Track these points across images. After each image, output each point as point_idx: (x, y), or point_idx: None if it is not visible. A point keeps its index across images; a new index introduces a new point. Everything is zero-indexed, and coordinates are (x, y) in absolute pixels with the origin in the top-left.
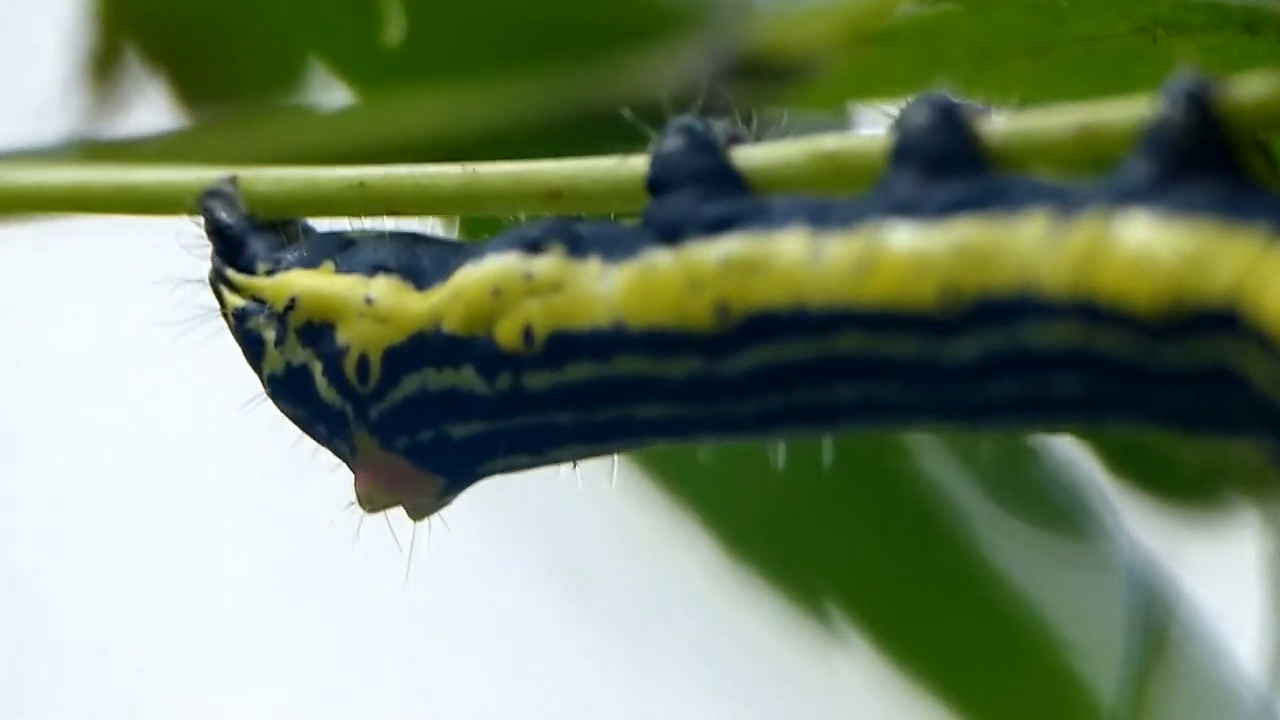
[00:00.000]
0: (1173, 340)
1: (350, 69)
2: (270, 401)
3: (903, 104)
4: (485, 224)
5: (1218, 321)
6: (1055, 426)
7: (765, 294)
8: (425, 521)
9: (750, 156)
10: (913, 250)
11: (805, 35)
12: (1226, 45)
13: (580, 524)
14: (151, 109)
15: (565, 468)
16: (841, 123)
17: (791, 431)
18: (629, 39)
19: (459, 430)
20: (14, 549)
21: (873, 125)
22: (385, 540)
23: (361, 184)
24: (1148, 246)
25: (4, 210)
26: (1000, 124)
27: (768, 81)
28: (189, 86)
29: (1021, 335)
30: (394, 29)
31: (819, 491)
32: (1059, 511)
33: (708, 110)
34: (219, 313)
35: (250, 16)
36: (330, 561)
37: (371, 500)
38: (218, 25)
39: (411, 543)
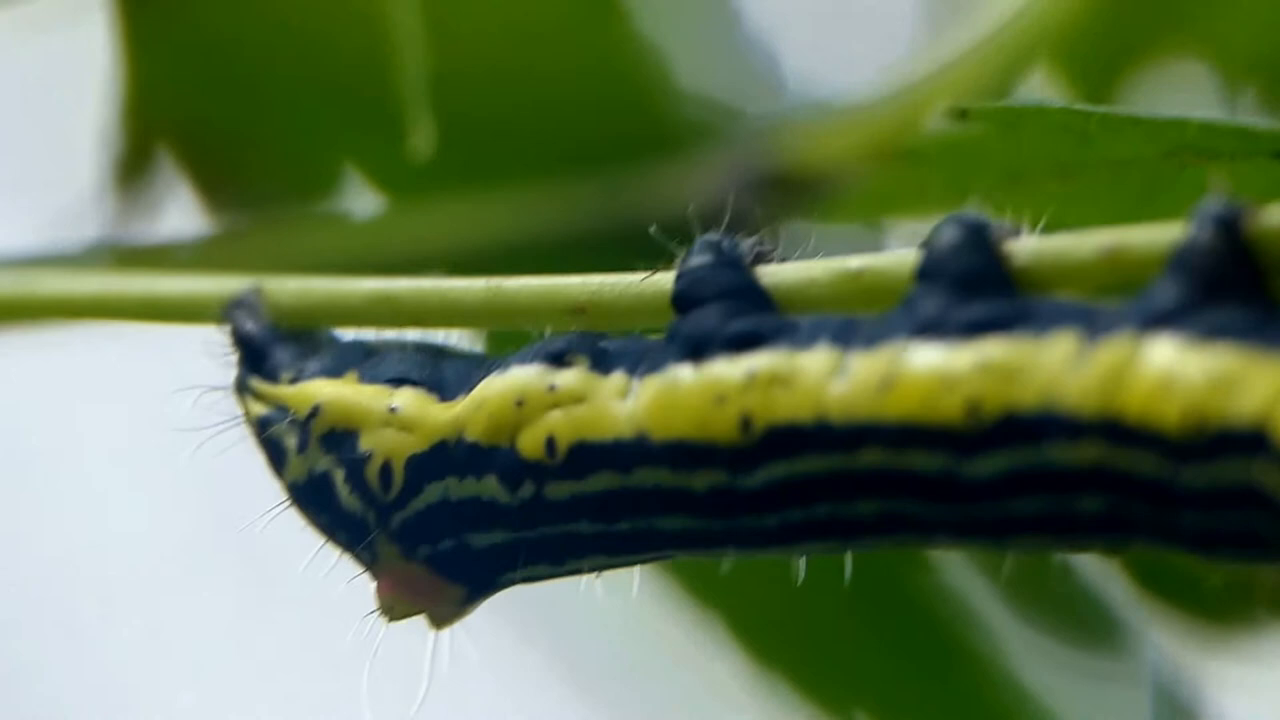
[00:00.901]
0: (1200, 461)
1: (380, 178)
2: (293, 509)
3: (930, 221)
4: (511, 337)
5: (1246, 443)
6: (1080, 547)
7: (789, 408)
8: (445, 631)
9: (776, 274)
10: (938, 367)
11: (832, 151)
12: (1255, 172)
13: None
14: (182, 213)
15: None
16: (872, 237)
17: (813, 546)
18: (656, 152)
19: (480, 539)
20: (44, 672)
21: (901, 241)
22: (405, 654)
23: (386, 296)
24: (1175, 368)
25: (33, 316)
26: (1028, 245)
27: (794, 196)
28: (219, 192)
29: (1045, 453)
30: (423, 140)
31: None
32: (1085, 626)
33: (734, 226)
34: (243, 420)
35: (281, 124)
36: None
37: (393, 609)
38: (248, 132)
39: (431, 653)
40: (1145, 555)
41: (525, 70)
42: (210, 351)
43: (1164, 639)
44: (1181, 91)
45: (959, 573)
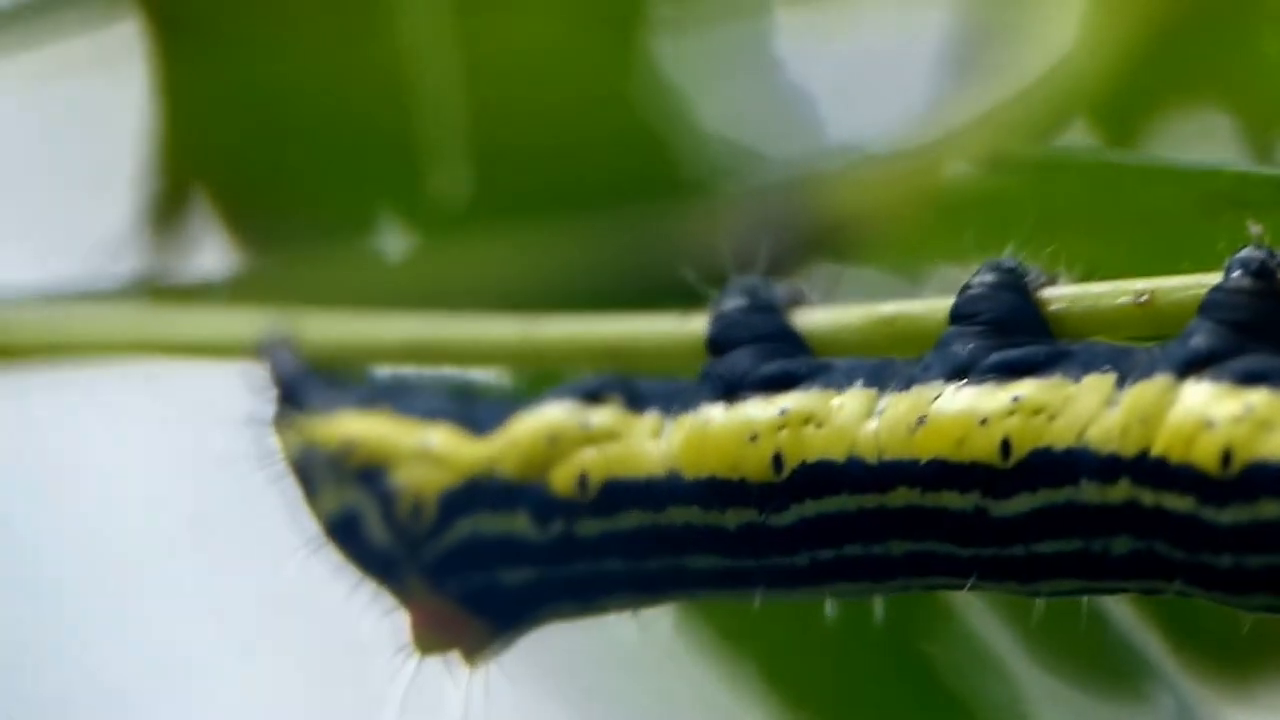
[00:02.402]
0: (1234, 501)
1: (411, 217)
2: (326, 544)
3: (963, 268)
4: (543, 376)
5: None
6: (1110, 590)
7: (821, 447)
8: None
9: (809, 318)
10: (971, 407)
11: (864, 197)
12: None
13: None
14: (216, 252)
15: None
16: (904, 284)
17: (844, 586)
18: (687, 195)
19: (510, 576)
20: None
21: (934, 288)
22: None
23: (418, 335)
24: (1211, 409)
25: (67, 353)
26: (1063, 292)
27: (826, 242)
28: (252, 231)
29: (1077, 492)
30: (455, 180)
31: (868, 650)
32: (1109, 676)
33: (768, 269)
34: (278, 456)
35: (314, 164)
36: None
37: (424, 643)
38: (281, 172)
39: (462, 692)
40: (1172, 604)
41: (555, 112)
42: (245, 388)
43: (1188, 688)
44: (1209, 141)
45: (983, 620)
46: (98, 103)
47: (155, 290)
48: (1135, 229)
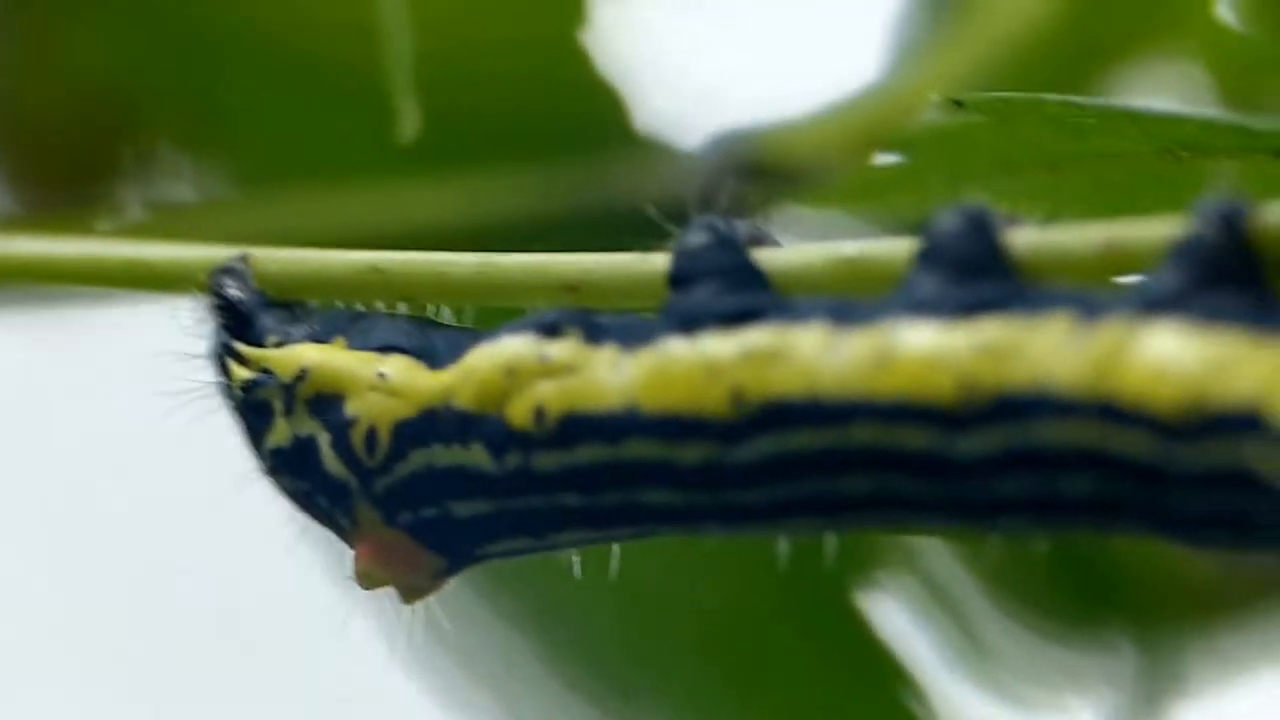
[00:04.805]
0: (1193, 442)
1: (368, 157)
2: (264, 480)
3: (924, 212)
4: (501, 314)
5: (1240, 424)
6: (1067, 529)
7: (781, 383)
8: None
9: (772, 257)
10: (932, 345)
11: (826, 140)
12: (1253, 170)
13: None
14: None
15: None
16: (869, 226)
17: (800, 523)
18: (649, 141)
19: (463, 509)
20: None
21: (897, 230)
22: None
23: (376, 269)
24: (1172, 350)
25: (14, 279)
26: (1027, 236)
27: (788, 184)
28: (207, 167)
29: (1037, 432)
30: (410, 124)
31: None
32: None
33: (730, 209)
34: (220, 388)
35: (269, 102)
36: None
37: (369, 577)
38: (237, 109)
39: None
40: (1131, 549)
41: (511, 54)
42: (197, 319)
43: (1145, 633)
44: (1177, 90)
45: (941, 563)
46: None
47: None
48: (1100, 175)
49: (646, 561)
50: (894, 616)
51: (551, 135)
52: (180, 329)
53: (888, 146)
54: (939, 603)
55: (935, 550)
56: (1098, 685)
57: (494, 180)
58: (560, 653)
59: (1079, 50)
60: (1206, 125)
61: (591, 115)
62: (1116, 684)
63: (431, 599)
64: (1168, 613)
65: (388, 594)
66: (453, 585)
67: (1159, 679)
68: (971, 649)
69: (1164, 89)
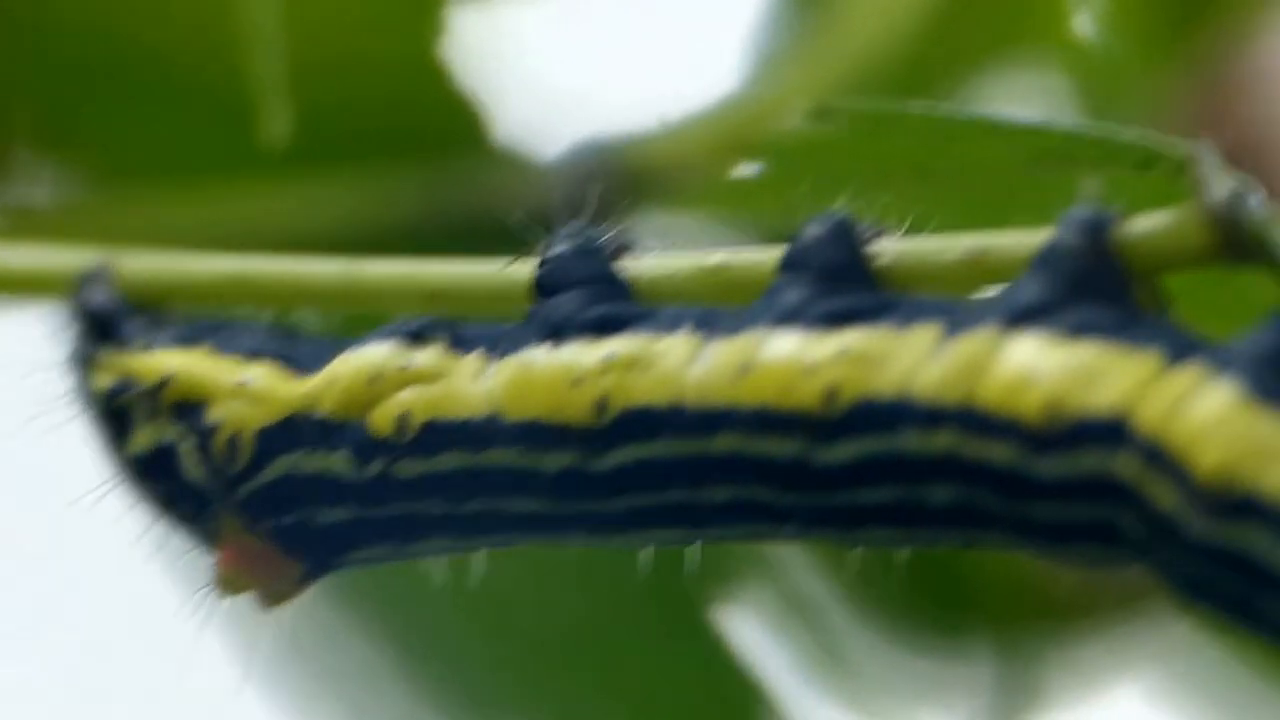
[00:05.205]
0: (1057, 452)
1: (235, 159)
2: (124, 488)
3: (793, 220)
4: (367, 321)
5: (1105, 433)
6: (931, 540)
7: (645, 392)
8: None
9: (637, 266)
10: (797, 354)
11: (691, 149)
12: (1118, 182)
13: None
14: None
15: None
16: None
17: (661, 533)
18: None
19: (325, 516)
20: None
21: (764, 240)
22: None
23: (240, 274)
24: (1037, 360)
25: None
26: (892, 245)
27: (653, 193)
28: (73, 168)
29: (899, 441)
30: (278, 127)
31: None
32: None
33: (596, 217)
34: (80, 394)
35: (137, 102)
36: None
37: (230, 583)
38: (104, 110)
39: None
40: (990, 559)
41: (375, 62)
42: (56, 325)
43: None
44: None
45: (801, 574)
46: None
47: None
48: (965, 185)
49: (507, 570)
50: (751, 629)
51: (413, 143)
52: (39, 335)
53: (752, 154)
54: (798, 614)
55: (795, 560)
56: (957, 696)
57: (358, 187)
58: (417, 662)
59: (941, 59)
60: (1071, 137)
61: (452, 124)
62: (976, 694)
63: (289, 607)
64: (1027, 623)
65: (246, 602)
66: (310, 594)
67: (1018, 689)
68: (830, 661)
69: (1025, 99)
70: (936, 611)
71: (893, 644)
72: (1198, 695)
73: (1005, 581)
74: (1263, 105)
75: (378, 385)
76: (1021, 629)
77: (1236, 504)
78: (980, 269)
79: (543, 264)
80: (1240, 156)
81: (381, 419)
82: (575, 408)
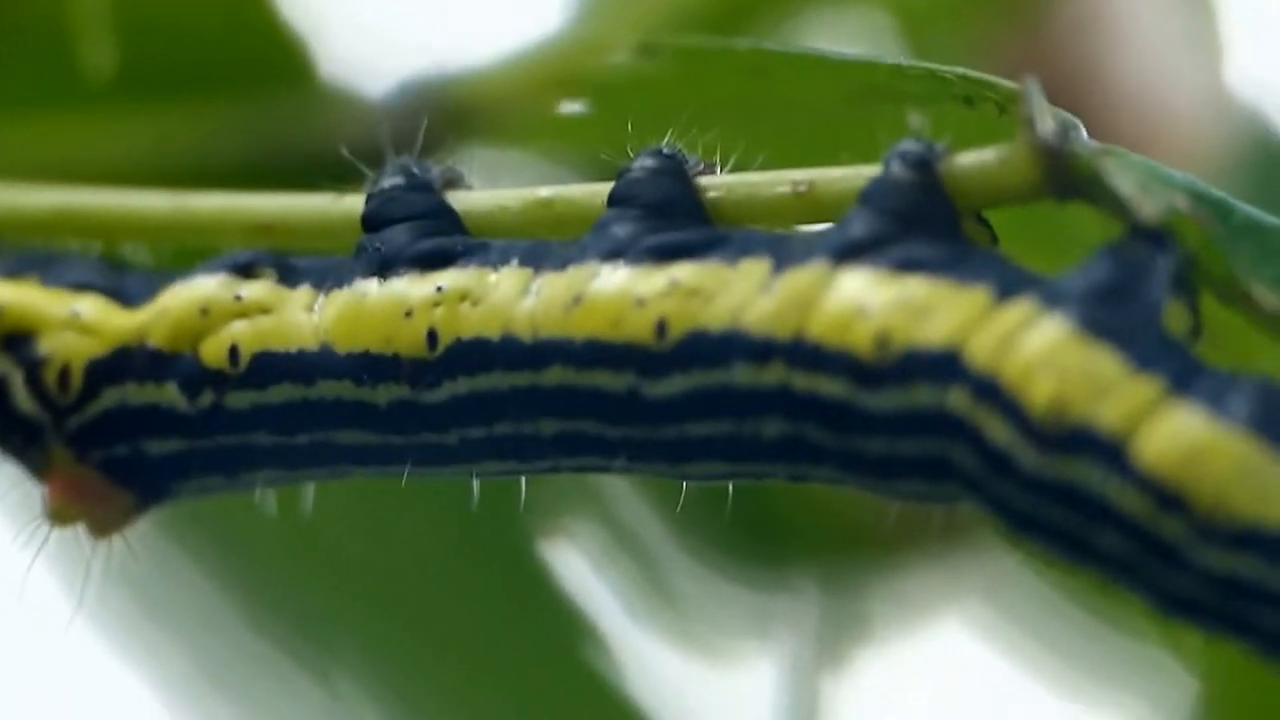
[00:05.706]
0: (888, 386)
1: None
2: None
3: (621, 154)
4: (196, 255)
5: (937, 367)
6: (762, 474)
7: (476, 324)
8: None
9: (467, 200)
10: (628, 287)
11: (519, 85)
12: (945, 117)
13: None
14: None
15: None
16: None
17: (491, 465)
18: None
19: (156, 447)
20: None
21: (593, 173)
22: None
23: (68, 207)
24: (867, 294)
25: None
26: (721, 180)
27: (482, 129)
28: None
29: (730, 375)
30: (103, 60)
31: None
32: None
33: (426, 153)
34: None
35: None
36: None
37: (60, 514)
38: None
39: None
40: (815, 493)
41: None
42: None
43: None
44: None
45: (628, 507)
46: None
47: None
48: (793, 121)
49: (337, 501)
50: (579, 562)
51: (240, 78)
52: None
53: (578, 91)
54: (625, 547)
55: (623, 494)
56: (784, 630)
57: (184, 121)
58: (248, 592)
59: None
60: (896, 71)
61: (279, 59)
62: (802, 627)
63: (120, 538)
64: (852, 557)
65: (75, 534)
66: (142, 525)
67: (843, 622)
68: (656, 594)
69: (850, 36)
70: (762, 545)
71: (719, 578)
72: (1021, 628)
73: (831, 515)
74: (1081, 54)
75: (208, 317)
76: (847, 563)
77: (1069, 437)
78: (808, 203)
79: (372, 198)
80: (1059, 103)
81: (212, 351)
82: (407, 339)
